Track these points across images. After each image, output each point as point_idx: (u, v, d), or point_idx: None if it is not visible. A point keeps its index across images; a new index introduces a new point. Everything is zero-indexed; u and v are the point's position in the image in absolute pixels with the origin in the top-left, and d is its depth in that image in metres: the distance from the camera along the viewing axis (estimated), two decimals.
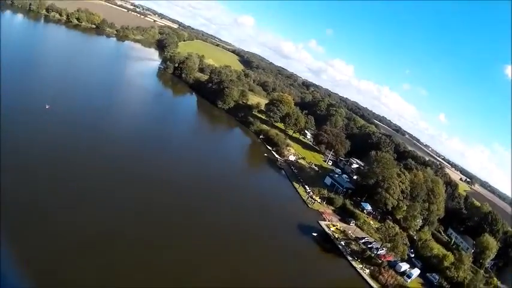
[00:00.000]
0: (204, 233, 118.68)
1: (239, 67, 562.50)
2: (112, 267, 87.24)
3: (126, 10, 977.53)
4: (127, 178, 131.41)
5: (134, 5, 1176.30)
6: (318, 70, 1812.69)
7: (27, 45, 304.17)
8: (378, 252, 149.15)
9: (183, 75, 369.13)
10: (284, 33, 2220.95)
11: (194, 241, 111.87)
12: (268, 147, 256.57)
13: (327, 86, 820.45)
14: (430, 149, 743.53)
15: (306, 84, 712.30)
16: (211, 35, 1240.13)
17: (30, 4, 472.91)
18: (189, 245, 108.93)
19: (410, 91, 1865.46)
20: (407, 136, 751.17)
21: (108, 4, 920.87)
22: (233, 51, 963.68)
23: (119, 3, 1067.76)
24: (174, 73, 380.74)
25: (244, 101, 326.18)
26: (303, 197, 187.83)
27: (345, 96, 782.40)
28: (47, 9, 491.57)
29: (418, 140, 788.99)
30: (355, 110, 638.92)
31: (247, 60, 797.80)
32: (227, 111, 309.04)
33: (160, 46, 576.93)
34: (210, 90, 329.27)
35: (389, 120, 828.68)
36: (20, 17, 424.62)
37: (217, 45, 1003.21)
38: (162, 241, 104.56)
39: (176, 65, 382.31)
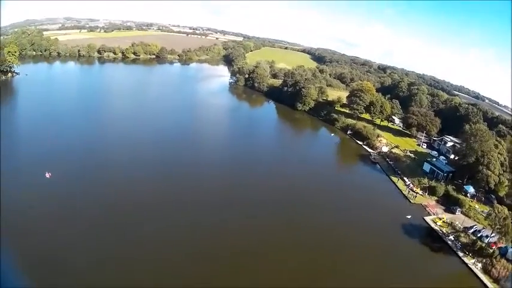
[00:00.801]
0: (310, 232, 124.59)
1: (312, 65, 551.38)
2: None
3: (185, 35, 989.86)
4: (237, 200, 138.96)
5: (193, 28, 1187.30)
6: (389, 52, 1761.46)
7: (90, 86, 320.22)
8: (489, 241, 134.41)
9: (256, 85, 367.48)
10: (350, 21, 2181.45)
11: (301, 240, 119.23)
12: (358, 141, 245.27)
13: (402, 65, 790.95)
14: (509, 109, 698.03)
15: (382, 68, 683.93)
16: (279, 40, 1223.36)
17: (79, 50, 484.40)
18: (301, 243, 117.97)
19: (479, 54, 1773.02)
20: (487, 101, 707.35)
21: (164, 33, 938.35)
22: (303, 51, 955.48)
23: (176, 29, 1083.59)
24: (246, 84, 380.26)
25: (324, 98, 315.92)
26: (403, 191, 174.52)
27: (421, 73, 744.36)
28: (99, 51, 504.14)
29: (497, 103, 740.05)
30: (434, 84, 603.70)
31: (319, 56, 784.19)
32: (308, 112, 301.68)
33: (228, 61, 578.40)
34: (286, 94, 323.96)
35: (467, 88, 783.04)
36: (71, 64, 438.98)
37: (286, 48, 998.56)
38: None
39: (246, 76, 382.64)
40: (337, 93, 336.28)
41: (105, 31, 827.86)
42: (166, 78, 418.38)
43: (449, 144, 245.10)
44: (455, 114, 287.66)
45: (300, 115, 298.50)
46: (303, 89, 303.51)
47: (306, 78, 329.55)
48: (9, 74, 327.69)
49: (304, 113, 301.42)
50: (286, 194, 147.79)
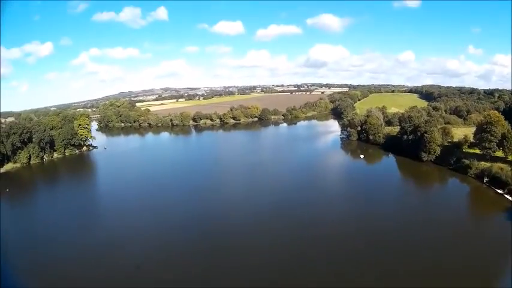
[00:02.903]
0: None
1: (423, 104, 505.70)
2: None
3: (289, 93, 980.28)
4: None
5: (297, 86, 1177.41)
6: (486, 73, 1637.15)
7: (186, 156, 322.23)
8: None
9: (370, 137, 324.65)
10: (444, 53, 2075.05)
11: None
12: (498, 190, 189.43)
13: (500, 85, 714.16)
14: None
15: (489, 93, 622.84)
16: (383, 85, 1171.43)
17: (171, 120, 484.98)
18: None
19: None
20: None
21: (267, 94, 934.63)
22: (410, 91, 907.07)
23: (280, 89, 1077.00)
24: (360, 138, 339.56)
25: (449, 140, 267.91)
26: None
27: None
28: (194, 119, 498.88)
29: None
30: None
31: (426, 93, 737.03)
32: (435, 161, 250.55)
33: (336, 114, 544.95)
34: (407, 143, 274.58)
35: None
36: (164, 134, 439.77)
37: (393, 91, 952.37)
38: None
39: (359, 128, 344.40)
40: (460, 131, 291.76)
41: (204, 98, 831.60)
42: (273, 141, 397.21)
43: None
44: None
45: (426, 167, 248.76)
46: (425, 134, 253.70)
47: (426, 121, 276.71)
48: (84, 148, 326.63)
49: (430, 163, 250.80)
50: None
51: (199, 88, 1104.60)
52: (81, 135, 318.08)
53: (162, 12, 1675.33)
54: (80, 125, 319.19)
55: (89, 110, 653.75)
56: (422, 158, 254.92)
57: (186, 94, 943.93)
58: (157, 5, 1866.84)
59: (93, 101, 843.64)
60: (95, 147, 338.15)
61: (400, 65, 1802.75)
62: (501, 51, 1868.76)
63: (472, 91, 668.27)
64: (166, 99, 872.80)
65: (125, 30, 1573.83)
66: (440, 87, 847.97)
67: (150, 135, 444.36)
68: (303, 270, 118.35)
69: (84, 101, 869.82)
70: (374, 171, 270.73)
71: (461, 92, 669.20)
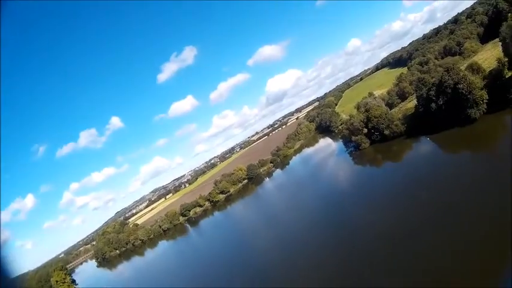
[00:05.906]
0: None
1: (402, 71, 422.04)
2: None
3: (267, 136, 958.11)
4: None
5: (271, 125, 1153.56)
6: (430, 15, 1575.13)
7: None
8: None
9: (386, 132, 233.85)
10: (384, 21, 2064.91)
11: None
12: None
13: (448, 17, 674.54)
14: None
15: (452, 21, 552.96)
16: (347, 80, 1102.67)
17: (159, 226, 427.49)
18: None
19: None
20: None
21: (247, 149, 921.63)
22: (376, 70, 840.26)
23: (256, 138, 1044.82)
24: (373, 140, 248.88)
25: (484, 75, 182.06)
26: None
27: None
28: (182, 214, 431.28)
29: None
30: None
31: (394, 61, 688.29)
32: (489, 111, 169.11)
33: (324, 129, 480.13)
34: (439, 112, 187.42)
35: None
36: (162, 244, 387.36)
37: (361, 79, 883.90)
38: None
39: (365, 130, 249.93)
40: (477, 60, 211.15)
41: (189, 183, 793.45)
42: (277, 195, 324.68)
43: None
44: None
45: (481, 124, 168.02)
46: (458, 86, 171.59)
47: (446, 69, 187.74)
48: None
49: (484, 117, 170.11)
50: None
51: (184, 175, 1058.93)
52: None
53: (116, 121, 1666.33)
54: (57, 281, 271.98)
55: (88, 246, 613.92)
56: (471, 115, 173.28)
57: (173, 187, 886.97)
58: (109, 117, 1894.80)
59: (93, 234, 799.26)
60: None
61: (353, 55, 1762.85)
62: None
63: (437, 31, 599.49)
64: (156, 201, 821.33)
65: (91, 154, 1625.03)
66: (403, 48, 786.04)
67: (148, 253, 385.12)
68: None
69: (86, 237, 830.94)
70: (418, 170, 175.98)
71: (429, 37, 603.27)
